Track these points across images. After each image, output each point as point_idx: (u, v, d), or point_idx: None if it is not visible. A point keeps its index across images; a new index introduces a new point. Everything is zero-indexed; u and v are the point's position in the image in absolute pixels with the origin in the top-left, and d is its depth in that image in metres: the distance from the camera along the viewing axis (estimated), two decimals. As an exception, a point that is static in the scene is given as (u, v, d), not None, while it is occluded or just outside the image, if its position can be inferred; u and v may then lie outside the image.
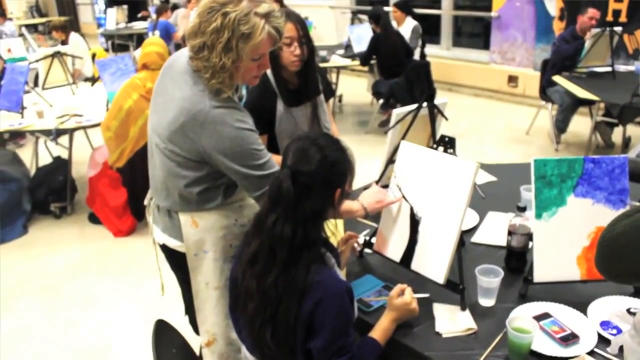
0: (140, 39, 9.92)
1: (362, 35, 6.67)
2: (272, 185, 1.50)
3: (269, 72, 2.40)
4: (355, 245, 1.94)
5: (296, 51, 2.28)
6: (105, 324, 3.20)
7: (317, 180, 1.46)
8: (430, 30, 8.15)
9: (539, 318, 1.62)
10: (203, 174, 1.76)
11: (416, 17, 6.69)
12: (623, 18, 6.32)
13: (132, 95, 3.76)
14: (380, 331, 1.59)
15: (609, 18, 6.37)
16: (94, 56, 6.72)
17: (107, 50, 10.23)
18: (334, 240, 1.69)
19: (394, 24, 6.60)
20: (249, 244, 1.53)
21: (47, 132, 4.35)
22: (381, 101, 6.24)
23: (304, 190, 1.45)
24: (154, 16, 9.15)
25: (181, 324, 2.04)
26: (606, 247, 1.19)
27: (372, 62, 6.37)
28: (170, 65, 1.82)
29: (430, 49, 7.65)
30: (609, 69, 5.39)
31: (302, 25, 2.31)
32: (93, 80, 5.60)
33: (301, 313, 1.43)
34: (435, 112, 2.20)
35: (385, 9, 7.01)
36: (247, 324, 1.54)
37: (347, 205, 1.84)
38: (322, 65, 6.29)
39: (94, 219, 4.35)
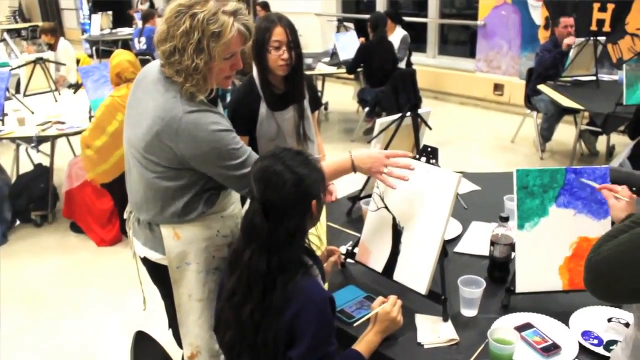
0: (125, 45, 9.87)
1: (348, 43, 6.69)
2: (245, 220, 1.50)
3: (255, 74, 2.40)
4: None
5: (284, 55, 2.28)
6: (88, 333, 3.16)
7: (290, 202, 1.46)
8: (416, 38, 8.18)
9: (521, 328, 1.62)
10: (183, 183, 1.75)
11: (406, 27, 6.71)
12: (607, 28, 6.39)
13: (117, 117, 3.70)
14: (364, 343, 1.57)
15: (593, 27, 6.44)
16: (78, 62, 6.66)
17: (91, 56, 10.15)
18: (319, 254, 1.68)
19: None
20: (229, 280, 1.54)
21: (28, 139, 4.30)
22: (367, 109, 6.25)
23: (278, 216, 1.45)
24: (139, 22, 9.11)
25: (164, 337, 2.02)
26: (593, 271, 1.21)
27: (359, 70, 6.37)
28: (142, 77, 1.82)
29: (416, 57, 7.67)
30: (593, 78, 5.44)
31: (291, 29, 2.31)
32: (76, 87, 5.54)
33: (281, 325, 1.41)
34: (419, 122, 2.20)
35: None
36: (226, 352, 1.53)
37: (333, 165, 1.84)
38: (308, 72, 6.28)
39: (75, 227, 4.29)
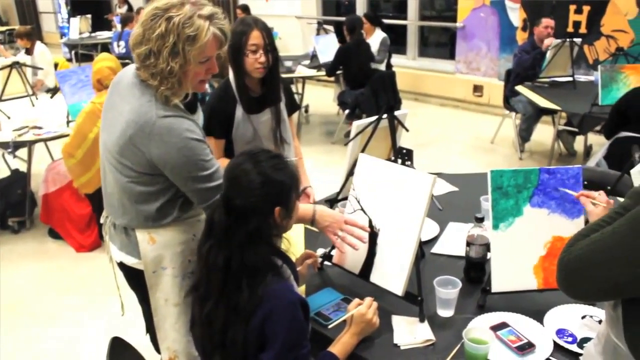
0: (105, 48, 9.78)
1: (328, 46, 6.71)
2: (208, 213, 1.51)
3: (231, 77, 2.40)
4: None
5: (261, 58, 2.30)
6: (68, 341, 3.12)
7: (251, 204, 1.45)
8: (396, 40, 8.22)
9: (497, 328, 1.63)
10: (157, 189, 1.74)
11: (385, 28, 6.74)
12: (583, 29, 6.47)
13: (98, 123, 3.66)
14: (339, 345, 1.57)
15: (570, 29, 6.52)
16: (56, 66, 6.59)
17: (70, 60, 10.07)
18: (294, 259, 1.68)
19: (360, 34, 6.65)
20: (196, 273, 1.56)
21: (4, 145, 4.25)
22: (347, 111, 6.26)
23: (239, 215, 1.44)
24: (118, 26, 9.04)
25: (144, 342, 2.01)
26: (565, 270, 1.23)
27: (338, 72, 6.39)
28: (118, 81, 1.81)
29: (396, 59, 7.72)
30: (570, 78, 5.50)
31: (267, 32, 2.33)
32: (54, 91, 5.48)
33: (251, 327, 1.41)
34: (395, 123, 2.20)
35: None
36: (200, 350, 1.53)
37: (301, 211, 1.80)
38: (287, 75, 6.29)
39: (54, 233, 4.25)
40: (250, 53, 2.29)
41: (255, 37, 2.28)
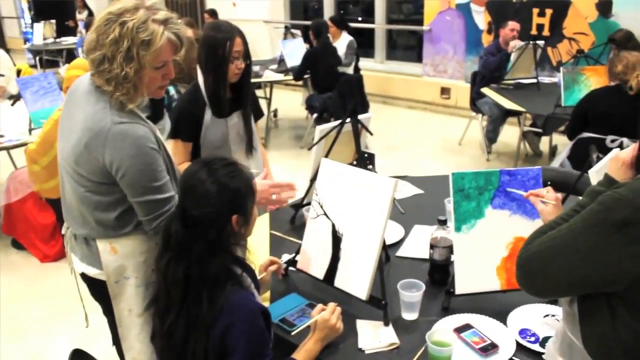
0: (70, 54, 9.63)
1: (295, 50, 6.71)
2: (165, 225, 1.49)
3: (200, 81, 2.38)
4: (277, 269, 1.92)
5: (242, 64, 2.32)
6: (34, 354, 3.06)
7: (208, 213, 1.44)
8: (364, 43, 8.27)
9: (461, 330, 1.64)
10: (114, 198, 1.71)
11: (351, 31, 6.77)
12: (546, 32, 6.59)
13: None
14: (303, 352, 1.56)
15: (534, 32, 6.63)
16: (19, 73, 6.45)
17: (34, 66, 9.86)
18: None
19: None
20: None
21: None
22: (315, 115, 6.26)
23: (196, 226, 1.43)
24: (83, 31, 8.91)
25: (110, 353, 1.97)
26: (523, 267, 1.25)
27: (306, 76, 6.40)
28: (75, 89, 1.78)
29: (364, 63, 7.75)
30: (534, 80, 5.60)
31: (244, 38, 2.35)
32: (15, 98, 5.36)
33: (212, 339, 1.40)
34: (359, 127, 2.21)
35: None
36: None
37: None
38: (255, 80, 6.27)
39: (17, 244, 4.15)
40: (235, 60, 2.30)
41: (239, 44, 2.30)
